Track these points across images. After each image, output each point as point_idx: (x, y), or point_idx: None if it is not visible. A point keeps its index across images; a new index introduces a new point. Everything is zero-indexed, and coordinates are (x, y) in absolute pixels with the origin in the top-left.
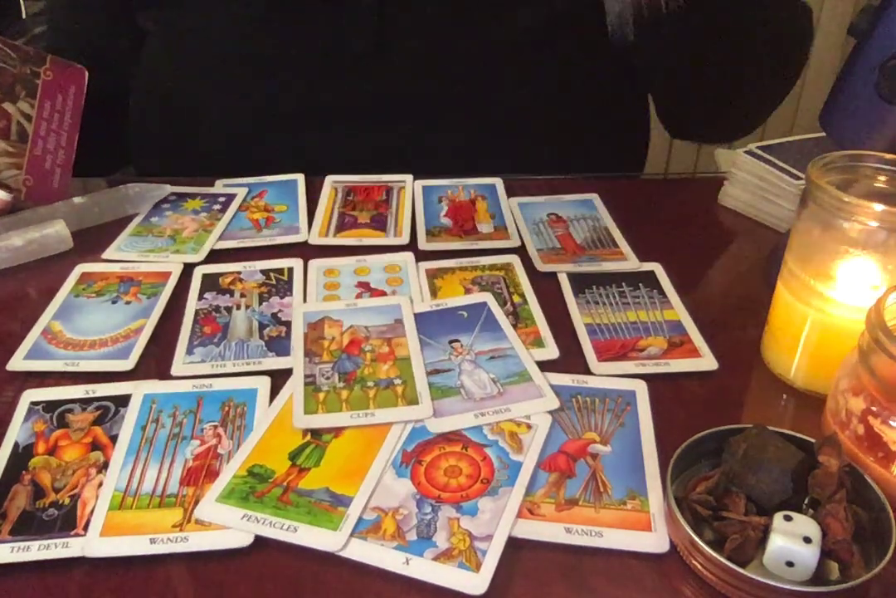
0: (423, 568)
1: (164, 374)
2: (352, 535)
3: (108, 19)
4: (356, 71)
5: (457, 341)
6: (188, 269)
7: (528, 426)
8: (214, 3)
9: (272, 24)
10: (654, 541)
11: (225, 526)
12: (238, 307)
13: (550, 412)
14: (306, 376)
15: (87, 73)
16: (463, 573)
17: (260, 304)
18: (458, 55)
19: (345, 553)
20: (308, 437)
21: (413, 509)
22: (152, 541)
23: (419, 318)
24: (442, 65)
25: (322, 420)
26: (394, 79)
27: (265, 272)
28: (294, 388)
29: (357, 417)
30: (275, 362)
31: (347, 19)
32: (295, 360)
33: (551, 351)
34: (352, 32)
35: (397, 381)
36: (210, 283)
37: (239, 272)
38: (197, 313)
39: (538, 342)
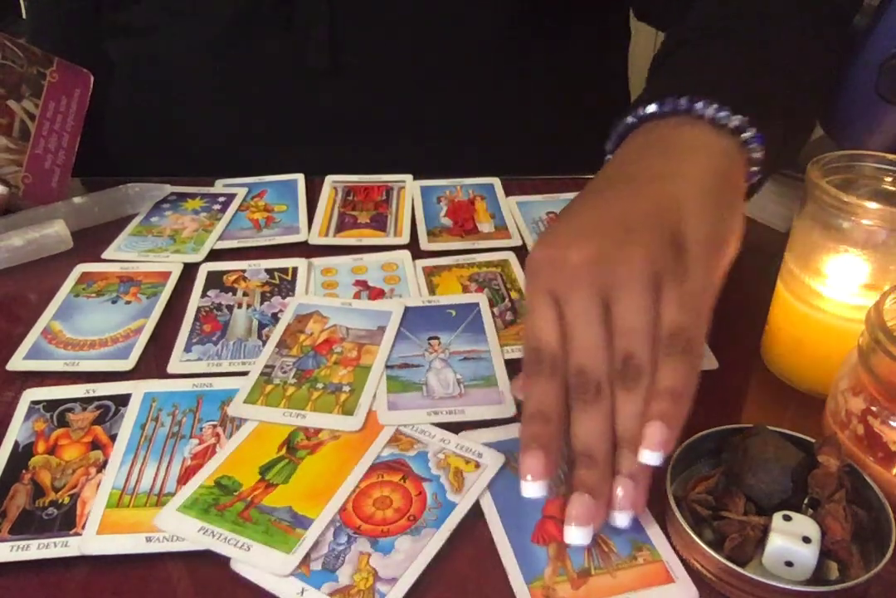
0: None
1: (164, 373)
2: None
3: (80, 45)
4: (316, 88)
5: (436, 338)
6: (188, 268)
7: (478, 465)
8: (175, 29)
9: (232, 47)
10: (681, 592)
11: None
12: (240, 306)
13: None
14: (265, 367)
15: (92, 78)
16: None
17: (261, 303)
18: (416, 68)
19: (242, 572)
20: (283, 451)
21: (328, 537)
22: (148, 539)
23: (408, 312)
24: (399, 79)
25: (252, 412)
26: (354, 94)
27: (270, 271)
28: (250, 376)
29: (288, 416)
30: None
31: (303, 38)
32: (265, 348)
33: None
34: (308, 51)
35: (346, 388)
36: (214, 280)
37: (244, 271)
38: (199, 310)
39: None
